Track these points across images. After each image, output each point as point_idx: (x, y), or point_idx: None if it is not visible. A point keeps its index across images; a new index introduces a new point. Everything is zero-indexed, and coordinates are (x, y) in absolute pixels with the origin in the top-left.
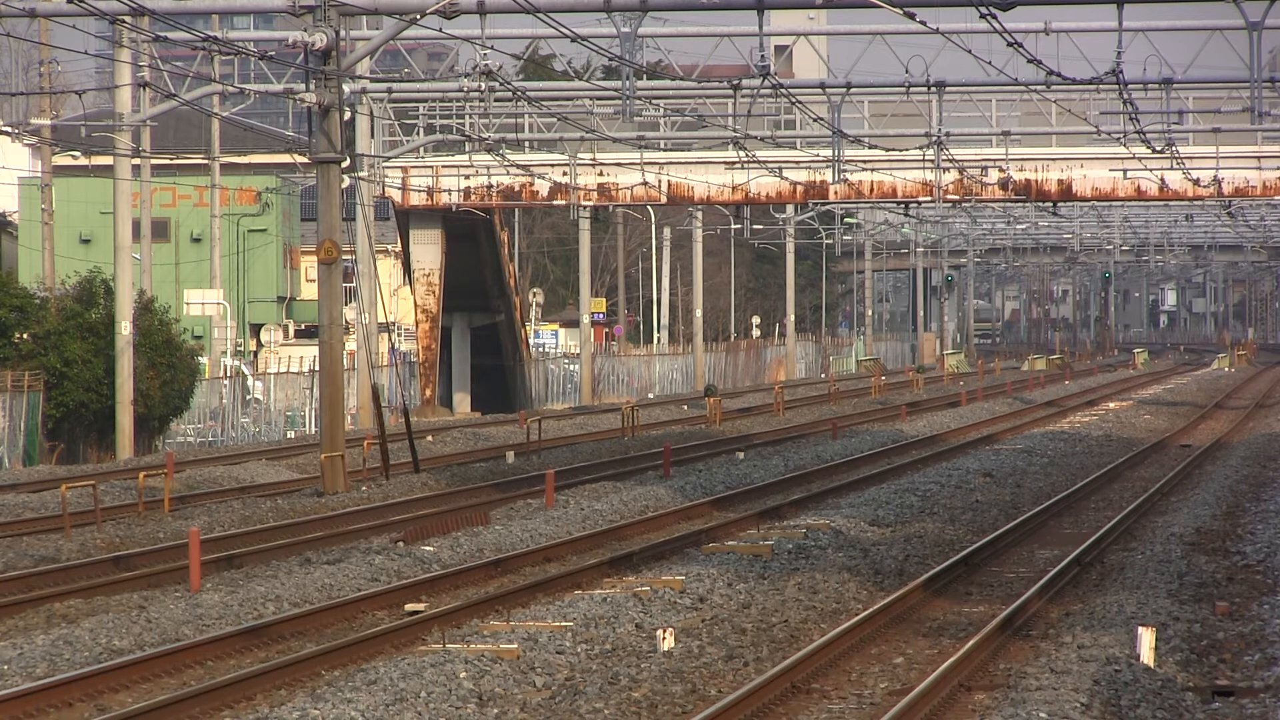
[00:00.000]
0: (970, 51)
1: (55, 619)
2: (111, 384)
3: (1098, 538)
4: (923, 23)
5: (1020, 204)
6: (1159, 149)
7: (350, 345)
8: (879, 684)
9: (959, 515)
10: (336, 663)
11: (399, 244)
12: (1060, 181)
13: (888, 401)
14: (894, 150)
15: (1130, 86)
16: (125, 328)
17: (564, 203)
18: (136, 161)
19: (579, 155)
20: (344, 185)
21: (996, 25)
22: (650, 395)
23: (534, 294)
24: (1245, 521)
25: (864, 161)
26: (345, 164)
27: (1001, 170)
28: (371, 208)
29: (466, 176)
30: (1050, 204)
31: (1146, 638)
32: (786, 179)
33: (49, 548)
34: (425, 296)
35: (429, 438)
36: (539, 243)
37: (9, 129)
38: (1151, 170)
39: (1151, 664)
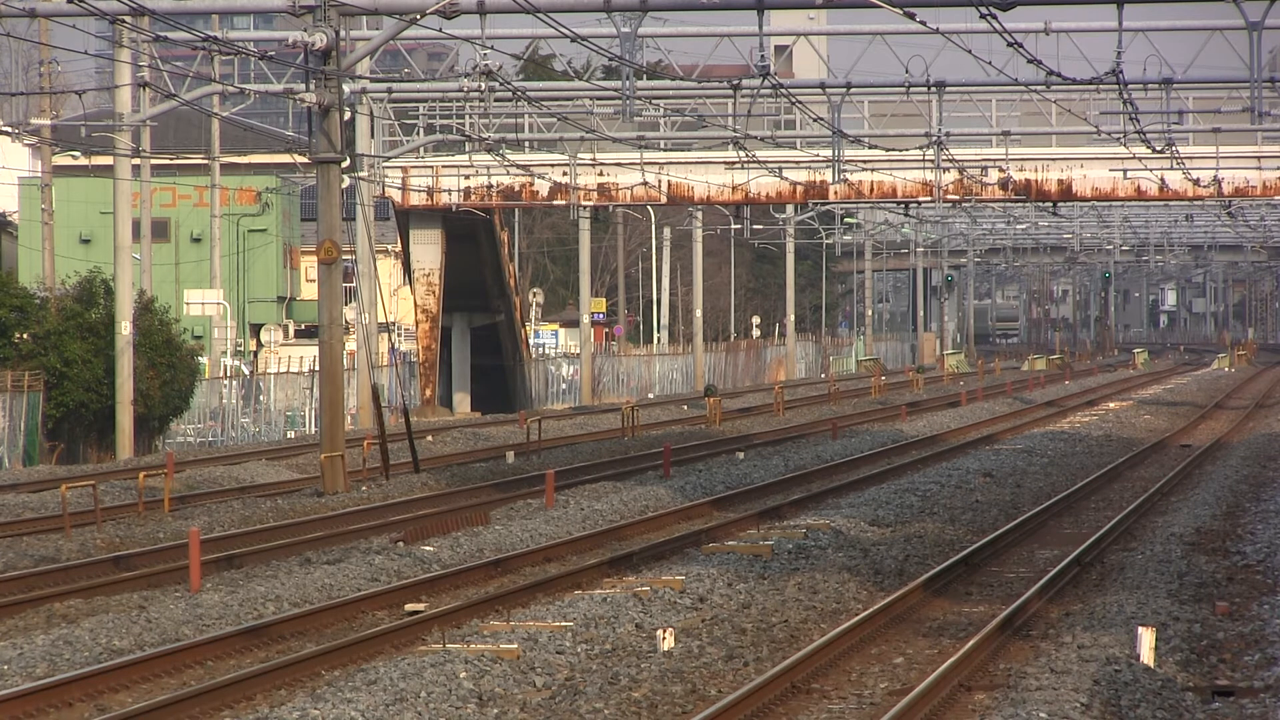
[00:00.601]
0: (970, 51)
1: (55, 619)
2: (111, 384)
3: (1098, 538)
4: (923, 23)
5: (1020, 204)
6: (1159, 149)
7: (350, 345)
8: (879, 684)
9: (959, 515)
10: (336, 663)
11: (399, 244)
12: (1060, 181)
13: (888, 401)
14: (894, 150)
15: (1130, 86)
16: (125, 328)
17: (564, 203)
18: (136, 161)
19: (579, 155)
20: (344, 185)
21: (996, 25)
22: (650, 395)
23: (534, 294)
24: (1245, 521)
25: (864, 161)
26: (345, 164)
27: (1001, 170)
28: (371, 208)
29: (466, 176)
30: (1050, 204)
31: (1146, 638)
32: (786, 179)
33: (49, 548)
34: (425, 296)
35: (429, 438)
36: (539, 243)
37: (9, 129)
38: (1151, 170)
39: (1151, 664)
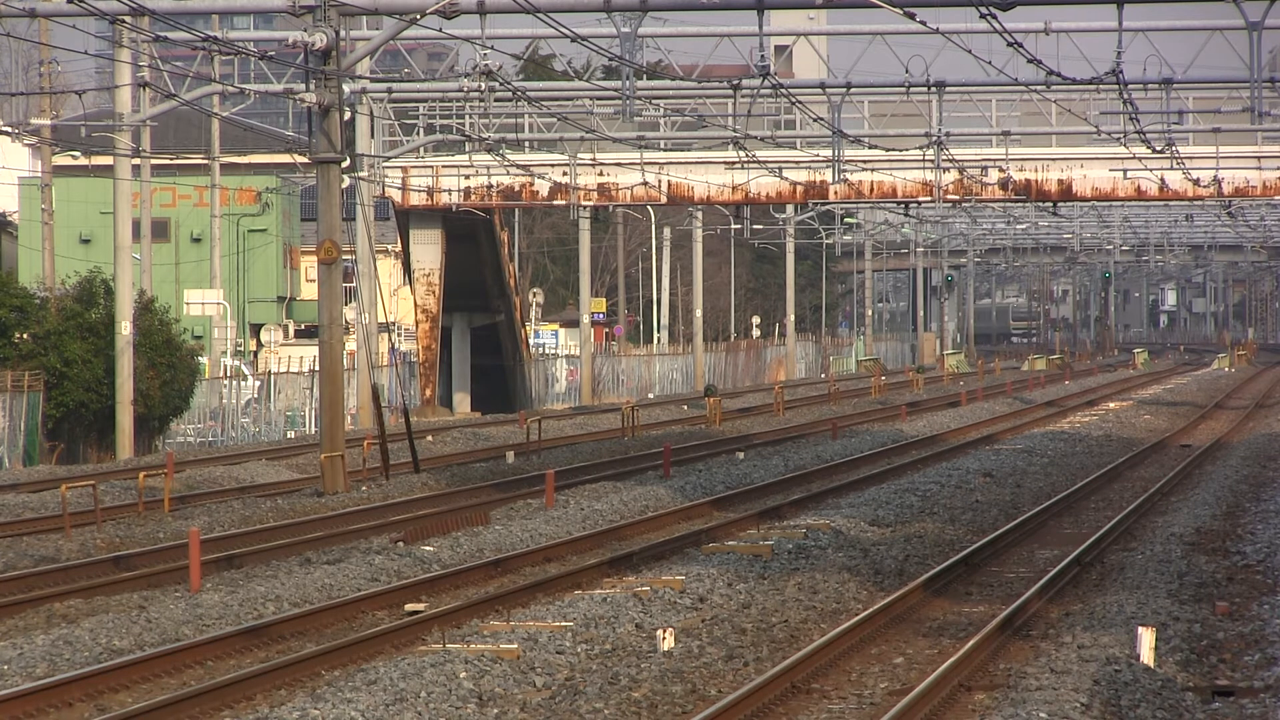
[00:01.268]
0: (970, 51)
1: (55, 619)
2: (111, 384)
3: (1098, 538)
4: (923, 23)
5: (1020, 204)
6: (1159, 149)
7: (350, 345)
8: (879, 684)
9: (959, 515)
10: (336, 663)
11: (399, 244)
12: (1060, 181)
13: (888, 401)
14: (894, 150)
15: (1130, 86)
16: (125, 328)
17: (564, 203)
18: (136, 161)
19: (579, 155)
20: (344, 185)
21: (996, 25)
22: (650, 395)
23: (534, 294)
24: (1245, 521)
25: (864, 161)
26: (345, 164)
27: (1001, 170)
28: (371, 208)
29: (466, 176)
30: (1050, 204)
31: (1146, 638)
32: (786, 179)
33: (49, 548)
34: (425, 296)
35: (429, 438)
36: (539, 243)
37: (9, 129)
38: (1151, 170)
39: (1151, 664)
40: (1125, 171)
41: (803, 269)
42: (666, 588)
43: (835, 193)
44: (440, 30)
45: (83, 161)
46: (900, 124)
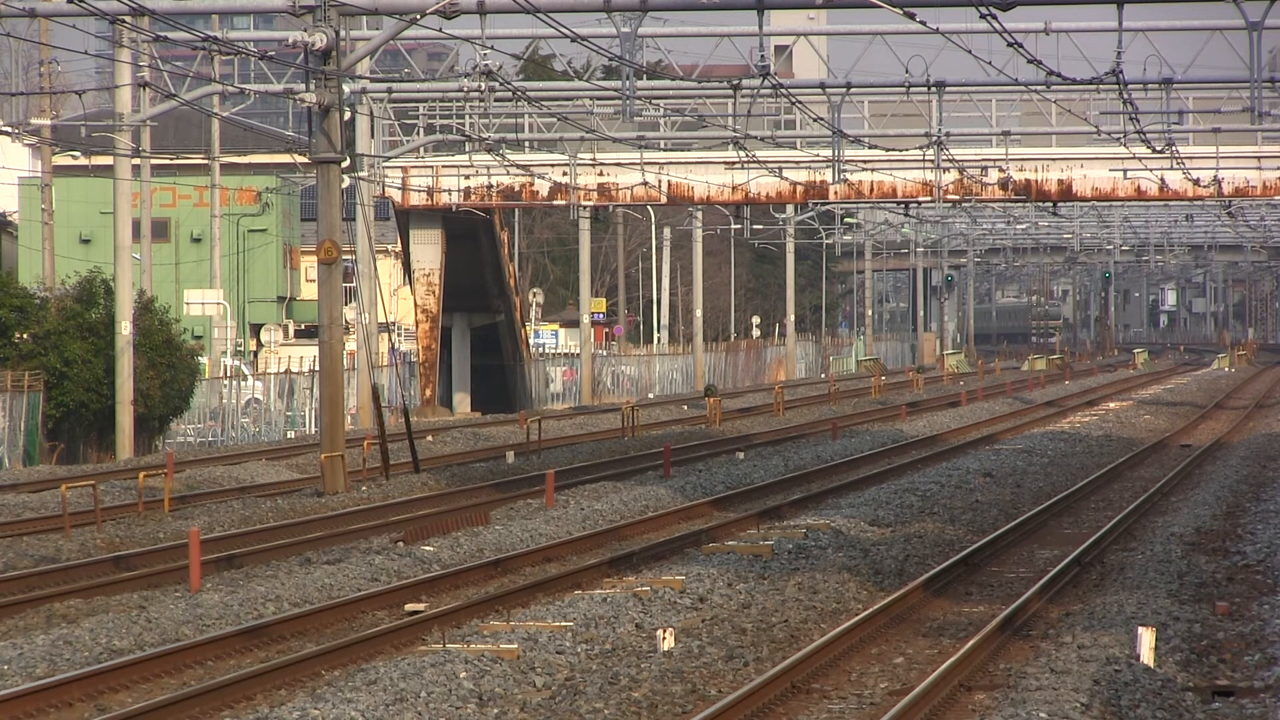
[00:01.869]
0: (970, 51)
1: (55, 619)
2: (111, 384)
3: (1098, 538)
4: (923, 23)
5: (1020, 204)
6: (1159, 149)
7: (350, 345)
8: (879, 684)
9: (959, 515)
10: (336, 663)
11: (399, 244)
12: (1060, 181)
13: (888, 401)
14: (894, 150)
15: (1130, 86)
16: (125, 328)
17: (564, 203)
18: (136, 161)
19: (579, 155)
20: (344, 185)
21: (996, 25)
22: (650, 395)
23: (534, 294)
24: (1245, 521)
25: (864, 161)
26: (345, 164)
27: (1001, 170)
28: (371, 208)
29: (466, 176)
30: (1050, 204)
31: (1146, 638)
32: (786, 179)
33: (49, 548)
34: (425, 296)
35: (429, 438)
36: (539, 243)
37: (9, 129)
38: (1151, 170)
39: (1151, 664)
40: (1125, 171)
41: (803, 269)
42: (666, 588)
43: (835, 193)
44: (440, 30)
45: (83, 161)
46: (900, 124)
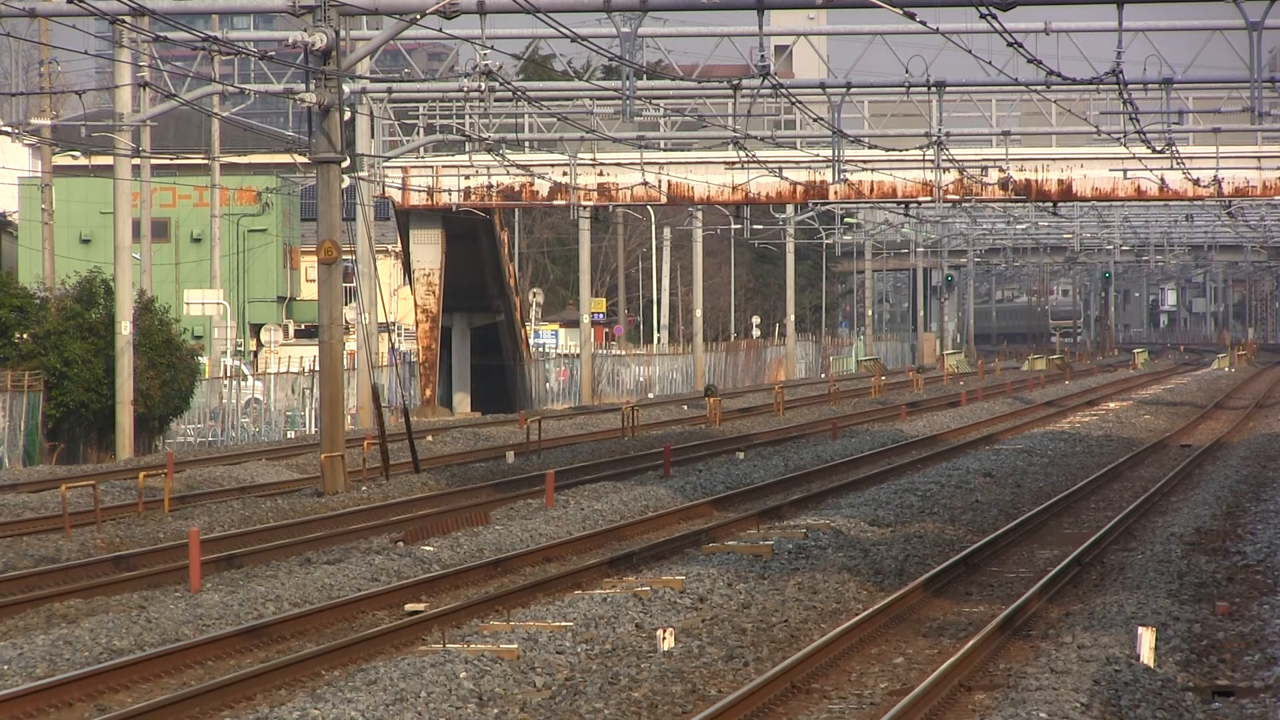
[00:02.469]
0: (970, 51)
1: (55, 619)
2: (111, 384)
3: (1098, 538)
4: (923, 23)
5: (1020, 204)
6: (1159, 149)
7: (350, 345)
8: (879, 684)
9: (959, 515)
10: (336, 663)
11: (399, 244)
12: (1060, 181)
13: (888, 401)
14: (894, 150)
15: (1130, 86)
16: (125, 328)
17: (564, 203)
18: (136, 161)
19: (579, 155)
20: (344, 185)
21: (996, 25)
22: (650, 395)
23: (534, 294)
24: (1245, 521)
25: (864, 161)
26: (345, 164)
27: (1001, 170)
28: (371, 208)
29: (466, 176)
30: (1050, 204)
31: (1146, 638)
32: (786, 179)
33: (49, 548)
34: (425, 296)
35: (429, 438)
36: (539, 243)
37: (9, 129)
38: (1151, 170)
39: (1151, 664)
40: (1125, 171)
41: (803, 269)
42: (666, 588)
43: (835, 193)
44: (440, 30)
45: (83, 161)
46: (900, 124)
